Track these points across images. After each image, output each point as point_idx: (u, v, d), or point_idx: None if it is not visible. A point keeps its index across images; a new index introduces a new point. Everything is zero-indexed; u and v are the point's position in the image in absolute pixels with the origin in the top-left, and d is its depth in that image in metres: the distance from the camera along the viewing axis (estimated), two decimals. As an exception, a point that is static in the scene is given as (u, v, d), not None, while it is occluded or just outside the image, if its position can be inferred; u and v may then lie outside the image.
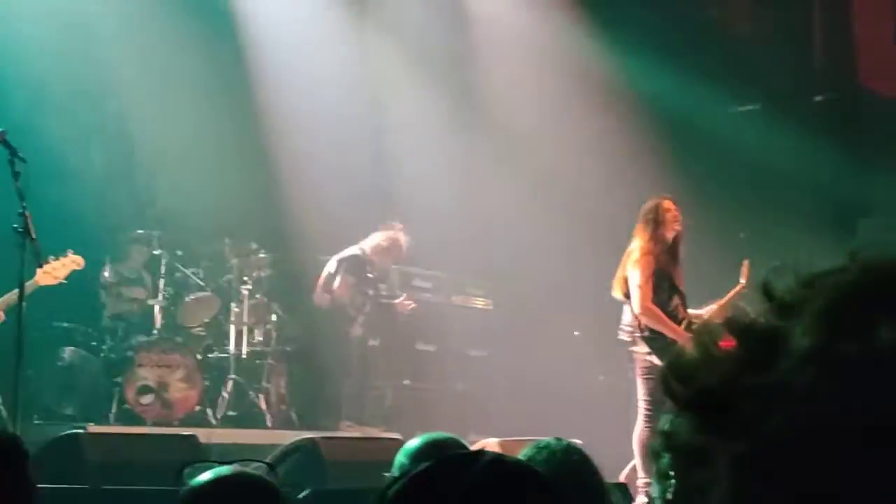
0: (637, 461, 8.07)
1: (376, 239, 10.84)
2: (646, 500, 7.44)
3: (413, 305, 11.11)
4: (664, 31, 12.00)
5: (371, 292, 10.75)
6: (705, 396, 0.89)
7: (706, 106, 11.69)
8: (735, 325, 0.91)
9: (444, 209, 12.11)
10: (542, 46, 12.23)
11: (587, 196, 11.78)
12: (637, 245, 8.24)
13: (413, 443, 3.25)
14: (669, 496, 0.93)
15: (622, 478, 8.15)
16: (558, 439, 3.07)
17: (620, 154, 11.77)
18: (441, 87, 12.39)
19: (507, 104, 12.27)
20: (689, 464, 0.90)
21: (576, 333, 12.13)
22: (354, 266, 10.74)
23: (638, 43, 11.83)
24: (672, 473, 0.91)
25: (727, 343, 0.92)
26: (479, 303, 12.51)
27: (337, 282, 10.67)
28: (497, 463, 1.41)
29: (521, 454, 2.95)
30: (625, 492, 7.88)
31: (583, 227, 11.49)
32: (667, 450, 0.93)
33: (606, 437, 8.14)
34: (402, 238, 10.88)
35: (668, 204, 8.31)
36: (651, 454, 0.95)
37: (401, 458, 3.18)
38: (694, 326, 8.17)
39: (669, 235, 8.25)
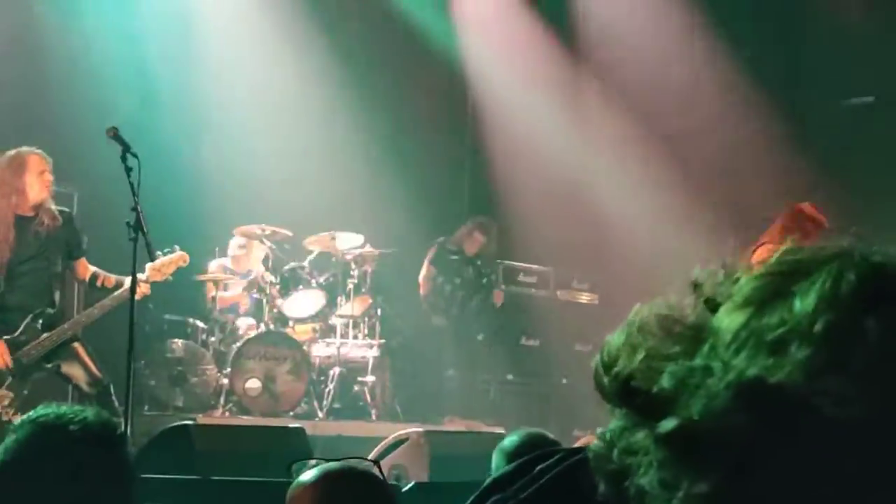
0: None
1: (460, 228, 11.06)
2: None
3: (502, 302, 11.22)
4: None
5: (458, 281, 10.83)
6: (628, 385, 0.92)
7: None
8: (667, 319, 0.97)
9: (550, 204, 12.05)
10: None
11: (697, 188, 11.63)
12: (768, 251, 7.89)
13: (508, 441, 3.23)
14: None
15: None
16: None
17: (755, 148, 11.59)
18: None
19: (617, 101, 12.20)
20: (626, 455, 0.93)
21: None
22: (436, 255, 10.88)
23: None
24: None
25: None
26: (584, 297, 12.45)
27: (422, 273, 10.84)
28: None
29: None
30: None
31: (693, 221, 11.36)
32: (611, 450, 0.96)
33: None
34: (485, 226, 11.01)
35: (809, 210, 7.32)
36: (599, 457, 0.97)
37: (496, 456, 3.17)
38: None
39: (809, 241, 7.88)
